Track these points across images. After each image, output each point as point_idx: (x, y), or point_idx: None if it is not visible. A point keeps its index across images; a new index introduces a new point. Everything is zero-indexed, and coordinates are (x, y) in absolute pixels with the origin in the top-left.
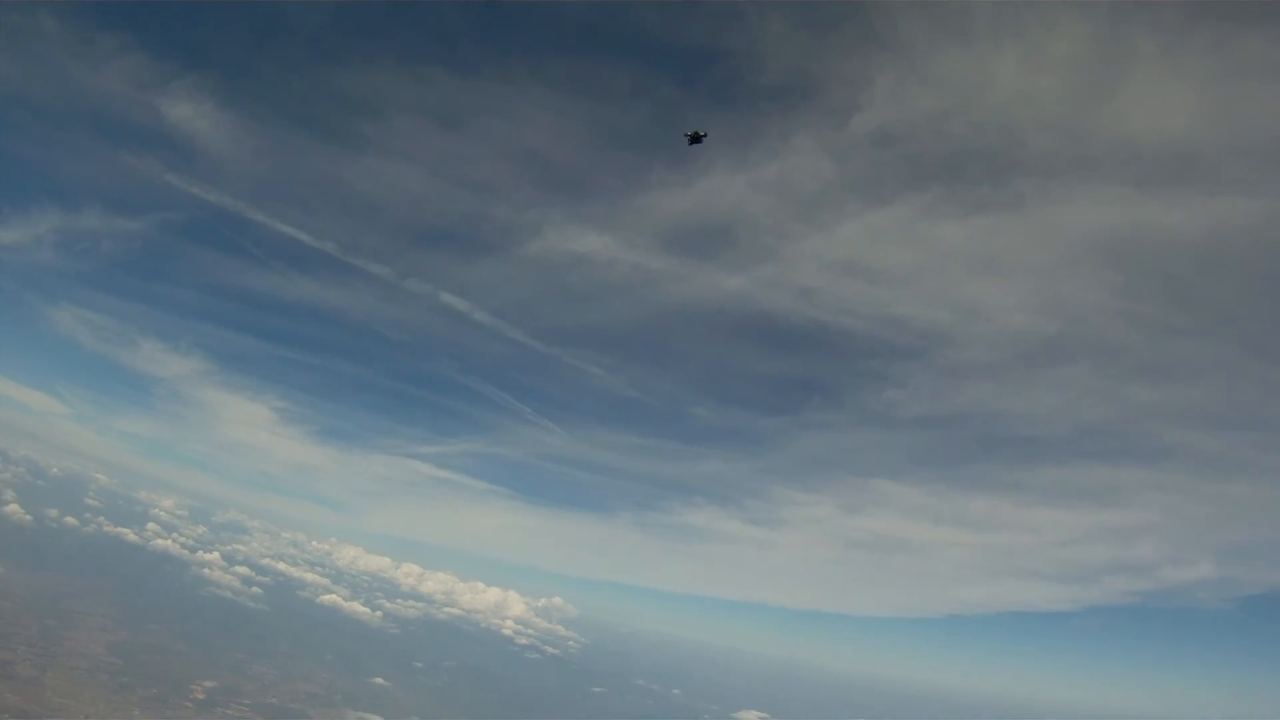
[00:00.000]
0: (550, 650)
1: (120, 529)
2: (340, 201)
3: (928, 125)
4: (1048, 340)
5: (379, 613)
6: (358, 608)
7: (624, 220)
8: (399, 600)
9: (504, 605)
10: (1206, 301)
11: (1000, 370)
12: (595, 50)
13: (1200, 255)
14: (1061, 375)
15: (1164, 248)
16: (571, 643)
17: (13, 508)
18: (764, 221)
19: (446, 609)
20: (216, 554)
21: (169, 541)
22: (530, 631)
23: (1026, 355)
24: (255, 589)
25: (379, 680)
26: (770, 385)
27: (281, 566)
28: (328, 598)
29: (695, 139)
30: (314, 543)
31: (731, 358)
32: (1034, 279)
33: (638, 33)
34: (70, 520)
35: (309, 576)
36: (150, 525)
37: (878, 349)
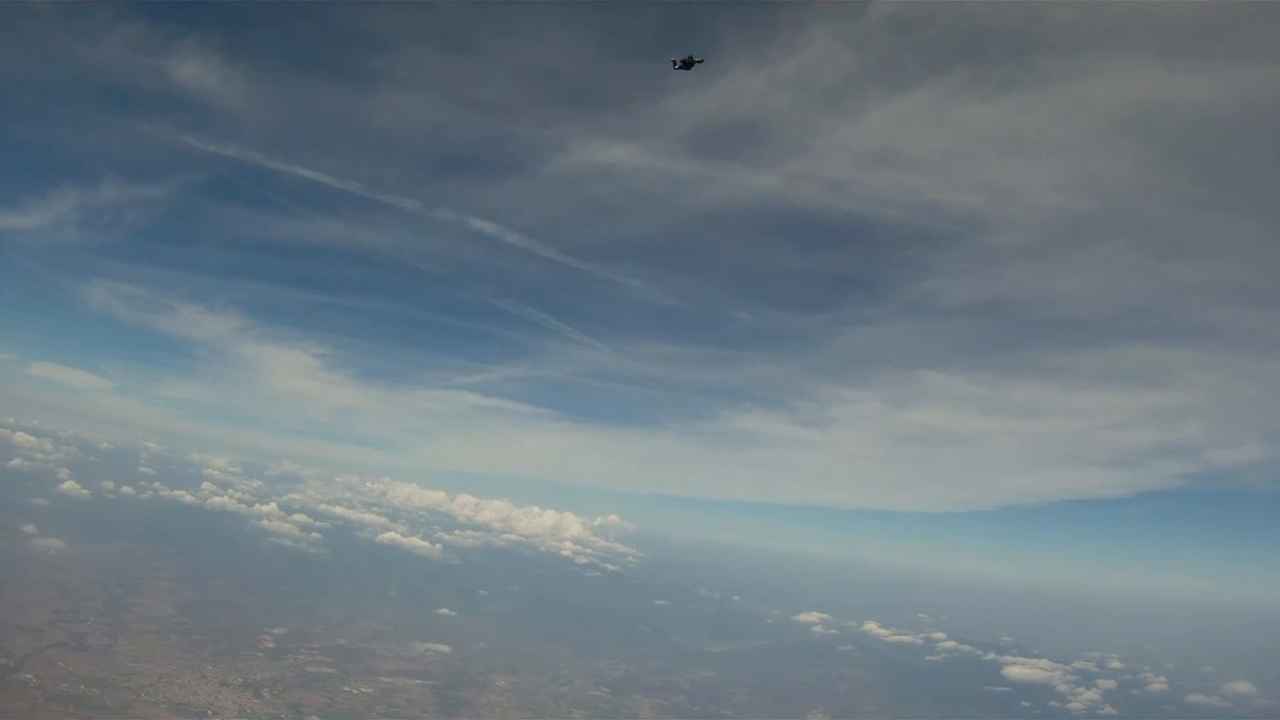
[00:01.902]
0: (610, 567)
1: (176, 492)
2: (359, 139)
3: (946, 6)
4: (1083, 219)
5: (438, 545)
6: (417, 542)
7: (647, 127)
8: (457, 532)
9: (561, 527)
10: (1241, 174)
11: (1038, 252)
12: None
13: (1232, 126)
14: (1099, 254)
15: (1194, 120)
16: (630, 558)
17: (69, 484)
18: (789, 116)
19: (504, 536)
20: (273, 505)
21: (225, 498)
22: (589, 551)
23: (1063, 235)
24: (314, 534)
25: (444, 611)
26: (809, 282)
27: (338, 510)
28: (386, 536)
29: (686, 64)
30: (368, 484)
31: (768, 257)
32: (1065, 157)
33: None
34: (126, 489)
35: (366, 517)
36: (205, 485)
37: (914, 238)
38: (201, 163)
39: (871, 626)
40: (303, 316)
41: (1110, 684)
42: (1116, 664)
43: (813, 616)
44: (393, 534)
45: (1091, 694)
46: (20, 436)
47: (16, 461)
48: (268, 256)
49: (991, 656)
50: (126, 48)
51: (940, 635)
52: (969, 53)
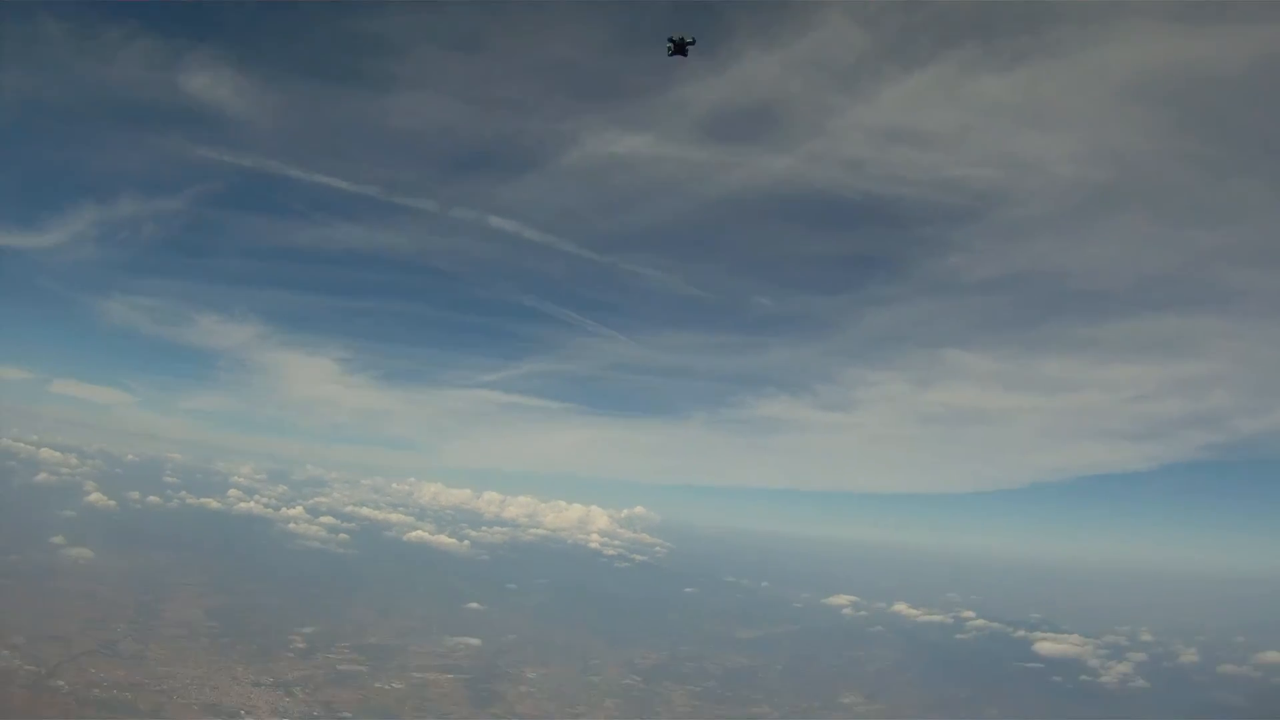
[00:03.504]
0: (638, 558)
1: (202, 499)
2: (374, 143)
3: None
4: (1103, 188)
5: (466, 542)
6: (444, 540)
7: (661, 116)
8: (484, 528)
9: (587, 520)
10: (1258, 135)
11: (1059, 224)
12: None
13: (1247, 87)
14: (1120, 224)
15: (1209, 82)
16: (658, 548)
17: (95, 496)
18: (803, 98)
19: (531, 530)
20: (300, 508)
21: (252, 504)
22: (616, 542)
23: (1083, 206)
24: (342, 535)
25: (474, 605)
26: (830, 264)
27: (365, 511)
28: (414, 534)
29: (679, 48)
30: (394, 485)
31: (787, 241)
32: (1082, 126)
33: None
34: (153, 499)
35: (393, 517)
36: (231, 492)
37: (934, 215)
38: (217, 173)
39: (901, 607)
40: (323, 322)
41: (1141, 657)
42: (1147, 637)
43: (842, 599)
44: (420, 532)
45: (1123, 667)
46: (45, 452)
47: (43, 476)
48: (286, 263)
49: (1021, 634)
50: (138, 64)
51: (970, 614)
52: (980, 27)
